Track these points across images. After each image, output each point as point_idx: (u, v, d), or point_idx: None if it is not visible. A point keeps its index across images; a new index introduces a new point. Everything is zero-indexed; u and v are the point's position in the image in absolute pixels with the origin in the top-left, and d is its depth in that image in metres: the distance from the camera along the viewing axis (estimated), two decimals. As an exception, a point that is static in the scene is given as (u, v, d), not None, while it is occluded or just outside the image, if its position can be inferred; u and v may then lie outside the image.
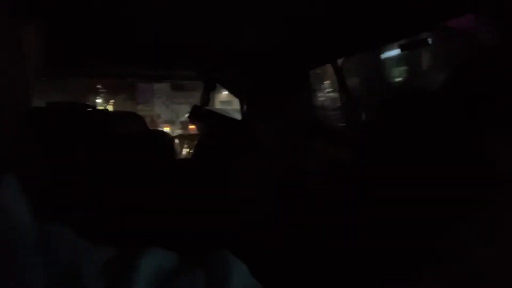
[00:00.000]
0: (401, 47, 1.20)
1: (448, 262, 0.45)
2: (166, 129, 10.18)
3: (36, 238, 0.25)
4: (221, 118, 1.88)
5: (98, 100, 12.73)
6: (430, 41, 1.11)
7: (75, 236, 0.28)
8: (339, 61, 1.60)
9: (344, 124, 1.59)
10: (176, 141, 6.01)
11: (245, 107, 1.92)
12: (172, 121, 12.82)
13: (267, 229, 1.00)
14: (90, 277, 0.25)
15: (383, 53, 3.49)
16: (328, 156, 1.18)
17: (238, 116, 2.07)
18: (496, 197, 0.43)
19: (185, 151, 5.85)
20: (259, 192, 1.08)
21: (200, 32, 1.21)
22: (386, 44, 1.31)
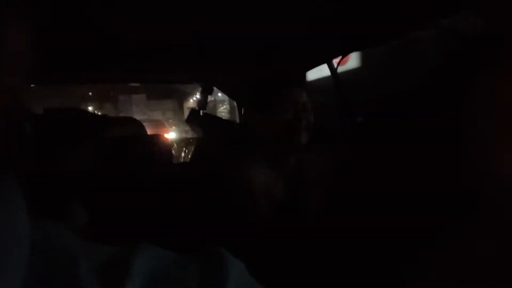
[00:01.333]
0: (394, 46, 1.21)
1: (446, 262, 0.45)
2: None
3: (32, 237, 0.25)
4: (219, 121, 1.89)
5: (89, 108, 14.27)
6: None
7: (72, 234, 0.28)
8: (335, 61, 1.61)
9: (340, 125, 1.60)
10: (175, 145, 6.00)
11: (243, 109, 1.93)
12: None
13: (265, 230, 1.01)
14: (85, 276, 0.25)
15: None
16: (324, 158, 1.18)
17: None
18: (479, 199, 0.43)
19: (183, 154, 5.85)
20: (258, 193, 1.08)
21: (196, 34, 1.22)
22: (381, 42, 1.32)
